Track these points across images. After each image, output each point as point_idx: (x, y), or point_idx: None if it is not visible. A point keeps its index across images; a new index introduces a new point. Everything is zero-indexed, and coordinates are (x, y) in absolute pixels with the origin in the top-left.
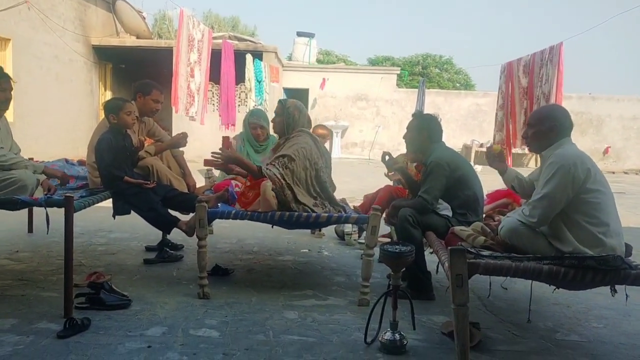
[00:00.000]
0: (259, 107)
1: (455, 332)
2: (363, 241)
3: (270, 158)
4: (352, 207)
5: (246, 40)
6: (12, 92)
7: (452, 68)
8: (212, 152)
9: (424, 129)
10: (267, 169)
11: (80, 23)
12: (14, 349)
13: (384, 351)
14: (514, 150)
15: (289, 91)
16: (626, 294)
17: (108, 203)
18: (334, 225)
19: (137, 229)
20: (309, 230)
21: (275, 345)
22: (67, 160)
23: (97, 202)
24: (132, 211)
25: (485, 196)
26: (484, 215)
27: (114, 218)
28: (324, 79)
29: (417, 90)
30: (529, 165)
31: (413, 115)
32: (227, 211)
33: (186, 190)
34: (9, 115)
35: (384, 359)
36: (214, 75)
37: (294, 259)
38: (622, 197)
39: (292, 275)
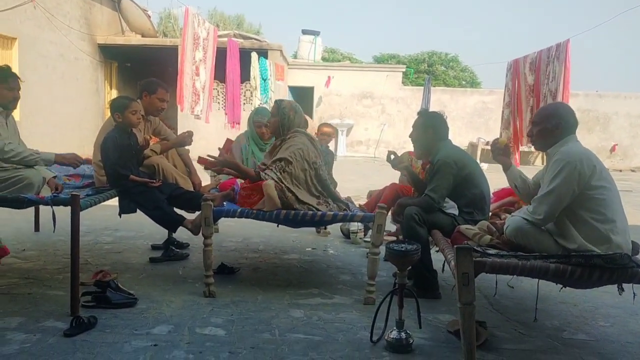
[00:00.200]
0: (264, 105)
1: (461, 330)
2: (369, 239)
3: (268, 160)
4: (358, 206)
5: (251, 38)
6: (20, 92)
7: (458, 66)
8: (209, 155)
9: (429, 127)
10: (265, 174)
11: (85, 22)
12: (20, 347)
13: (390, 350)
14: (520, 149)
15: (294, 89)
16: (633, 293)
17: (114, 202)
18: (340, 224)
19: (143, 228)
20: (315, 229)
21: (281, 344)
22: None
23: (103, 201)
24: (138, 210)
25: (491, 194)
26: (490, 214)
27: (120, 217)
28: (329, 77)
29: (422, 88)
30: (535, 163)
31: (418, 113)
32: (233, 210)
33: (192, 189)
34: (15, 113)
35: (390, 357)
36: (219, 73)
37: (299, 258)
38: (629, 195)
39: (298, 274)
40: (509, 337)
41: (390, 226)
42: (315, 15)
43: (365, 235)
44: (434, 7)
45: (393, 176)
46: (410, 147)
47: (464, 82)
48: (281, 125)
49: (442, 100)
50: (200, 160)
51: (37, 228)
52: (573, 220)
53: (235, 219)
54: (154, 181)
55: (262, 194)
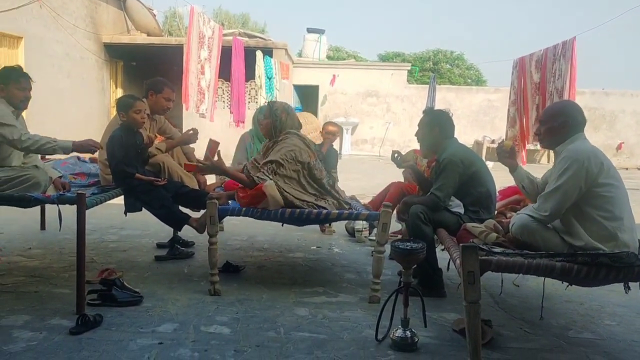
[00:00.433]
0: None
1: (466, 329)
2: (374, 238)
3: (260, 159)
4: (363, 204)
5: (256, 37)
6: (31, 92)
7: (463, 64)
8: (198, 160)
9: (435, 125)
10: (257, 176)
11: (91, 21)
12: (27, 345)
13: (395, 348)
14: (527, 147)
15: (299, 88)
16: None
17: (119, 200)
18: (345, 223)
19: (149, 226)
20: (319, 228)
21: (286, 342)
22: (79, 158)
23: (109, 199)
24: (143, 208)
25: (497, 192)
26: (495, 212)
27: (126, 215)
28: (334, 76)
29: (427, 86)
30: (541, 161)
31: (424, 111)
32: (238, 208)
33: (197, 187)
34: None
35: (395, 356)
36: (224, 72)
37: (304, 256)
38: (635, 193)
39: (303, 272)
40: (514, 336)
41: (396, 225)
42: (320, 13)
43: (370, 233)
44: (439, 5)
45: (398, 175)
46: (415, 145)
47: (469, 80)
48: (273, 127)
49: (447, 98)
50: (187, 166)
51: (43, 227)
52: (580, 217)
53: (241, 217)
54: (160, 180)
55: (263, 198)
